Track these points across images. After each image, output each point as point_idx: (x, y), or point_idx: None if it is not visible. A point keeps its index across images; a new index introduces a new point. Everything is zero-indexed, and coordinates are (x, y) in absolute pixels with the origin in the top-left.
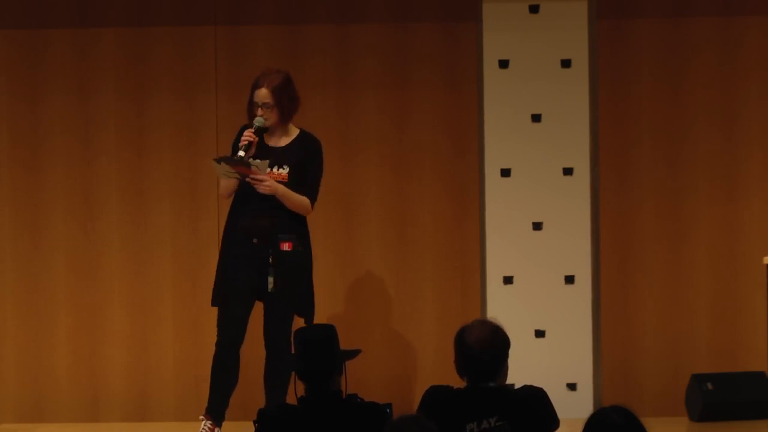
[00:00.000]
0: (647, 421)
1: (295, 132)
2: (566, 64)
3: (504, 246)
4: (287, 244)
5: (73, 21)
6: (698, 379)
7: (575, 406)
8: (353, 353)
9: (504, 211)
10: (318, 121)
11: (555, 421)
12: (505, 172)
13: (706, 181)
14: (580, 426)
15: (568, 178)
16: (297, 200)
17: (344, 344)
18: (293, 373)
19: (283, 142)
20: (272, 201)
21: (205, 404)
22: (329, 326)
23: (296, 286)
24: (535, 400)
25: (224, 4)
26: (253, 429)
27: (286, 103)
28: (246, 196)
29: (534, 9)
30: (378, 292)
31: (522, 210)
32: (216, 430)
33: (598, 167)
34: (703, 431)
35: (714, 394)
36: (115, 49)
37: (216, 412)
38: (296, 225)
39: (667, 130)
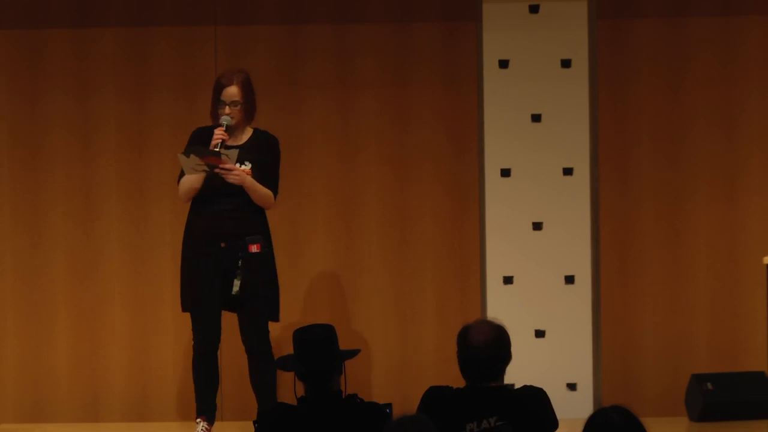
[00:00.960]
0: (647, 421)
1: (250, 130)
2: (566, 64)
3: (504, 246)
4: (255, 245)
5: (73, 21)
6: (698, 379)
7: (575, 406)
8: (353, 353)
9: (504, 211)
10: (318, 121)
11: (554, 422)
12: (505, 172)
13: (706, 181)
14: (580, 426)
15: (568, 178)
16: (263, 192)
17: (344, 344)
18: (293, 373)
19: (241, 140)
20: (236, 202)
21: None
22: (329, 326)
23: (268, 287)
24: (535, 400)
25: (224, 4)
26: (253, 429)
27: (252, 100)
28: (206, 198)
29: (534, 9)
30: (378, 292)
31: (522, 210)
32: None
33: (598, 167)
34: (703, 431)
35: (714, 394)
36: (115, 49)
37: (209, 413)
38: (260, 225)
39: (667, 130)
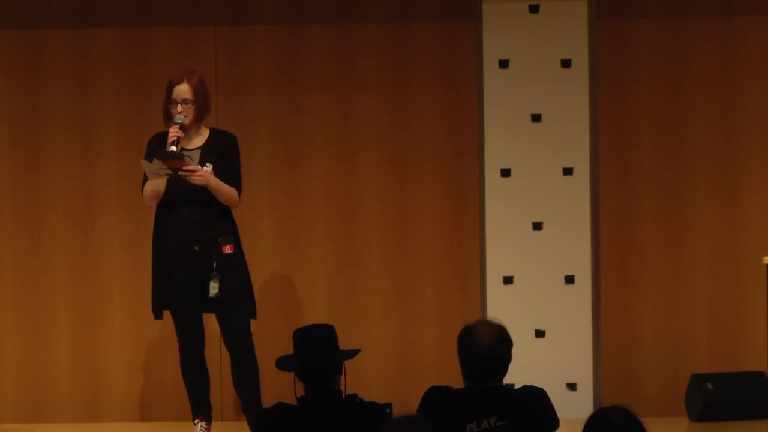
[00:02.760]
0: (647, 421)
1: (206, 131)
2: (566, 64)
3: (504, 246)
4: (228, 246)
5: (73, 21)
6: (698, 379)
7: (575, 406)
8: (353, 353)
9: (504, 211)
10: (318, 121)
11: (555, 422)
12: (505, 172)
13: (706, 181)
14: (580, 426)
15: (568, 178)
16: (228, 191)
17: (344, 344)
18: (293, 373)
19: (199, 142)
20: (203, 206)
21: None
22: (329, 326)
23: (245, 288)
24: (535, 400)
25: (224, 4)
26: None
27: (204, 99)
28: (173, 204)
29: (534, 9)
30: (378, 292)
31: (522, 210)
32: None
33: (598, 167)
34: (703, 431)
35: (714, 394)
36: (115, 49)
37: (205, 413)
38: (230, 225)
39: (667, 130)
